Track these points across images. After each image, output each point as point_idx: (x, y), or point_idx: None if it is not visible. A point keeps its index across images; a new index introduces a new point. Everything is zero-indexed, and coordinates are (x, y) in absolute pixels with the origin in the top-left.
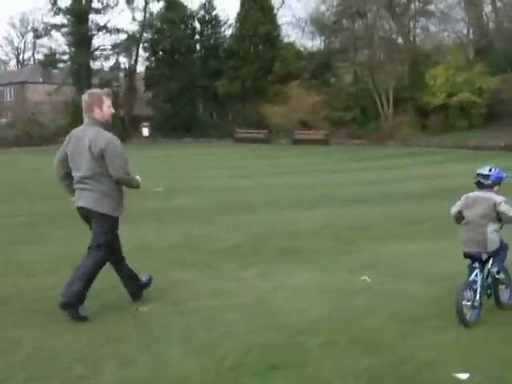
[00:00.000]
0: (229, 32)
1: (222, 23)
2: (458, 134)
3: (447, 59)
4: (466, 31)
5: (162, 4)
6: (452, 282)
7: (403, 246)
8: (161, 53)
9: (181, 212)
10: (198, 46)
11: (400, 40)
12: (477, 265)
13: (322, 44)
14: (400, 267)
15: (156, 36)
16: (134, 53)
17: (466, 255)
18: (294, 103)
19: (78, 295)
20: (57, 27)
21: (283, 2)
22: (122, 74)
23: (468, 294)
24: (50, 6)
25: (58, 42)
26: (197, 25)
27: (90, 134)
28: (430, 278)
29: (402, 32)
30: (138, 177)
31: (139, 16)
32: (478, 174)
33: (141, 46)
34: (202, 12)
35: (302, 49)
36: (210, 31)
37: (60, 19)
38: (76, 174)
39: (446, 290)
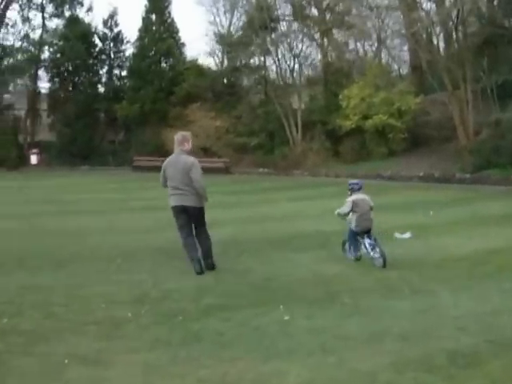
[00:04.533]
0: (131, 50)
1: (125, 41)
2: (375, 163)
3: (366, 77)
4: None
5: (61, 21)
6: None
7: None
8: (66, 73)
9: None
10: (99, 66)
11: (317, 56)
12: (368, 234)
13: (223, 62)
14: None
15: (57, 56)
16: (34, 73)
17: (363, 231)
18: (195, 127)
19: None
20: None
21: None
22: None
23: (373, 251)
24: None
25: None
26: (98, 43)
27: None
28: None
29: (316, 46)
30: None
31: (36, 34)
32: (352, 183)
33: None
34: (104, 29)
35: (205, 67)
36: (112, 50)
37: None
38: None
39: None
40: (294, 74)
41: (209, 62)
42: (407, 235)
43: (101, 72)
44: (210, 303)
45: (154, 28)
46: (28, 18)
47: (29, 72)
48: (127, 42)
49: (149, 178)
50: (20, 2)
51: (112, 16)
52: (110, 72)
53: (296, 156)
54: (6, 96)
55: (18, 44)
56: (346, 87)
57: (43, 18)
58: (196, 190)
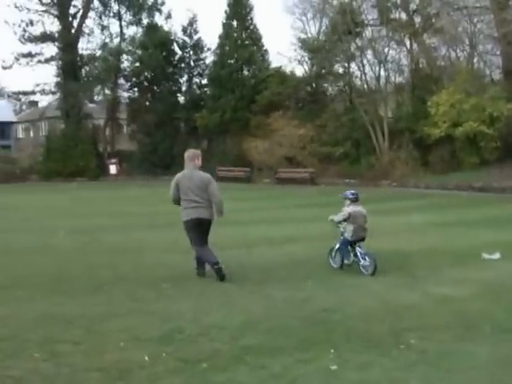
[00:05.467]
0: (211, 58)
1: (205, 49)
2: (466, 173)
3: (456, 82)
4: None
5: (139, 29)
6: None
7: None
8: (145, 82)
9: None
10: (178, 75)
11: (405, 61)
12: (360, 244)
13: (310, 69)
14: None
15: (135, 64)
16: (113, 82)
17: (357, 240)
18: (277, 136)
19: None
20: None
21: None
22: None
23: (363, 259)
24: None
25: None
26: (178, 51)
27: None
28: None
29: (403, 51)
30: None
31: (114, 43)
32: (354, 193)
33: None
34: (184, 37)
35: (288, 74)
36: (191, 58)
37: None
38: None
39: None
40: (380, 81)
41: (295, 70)
42: (496, 256)
43: (181, 81)
44: (249, 344)
45: (235, 35)
46: (106, 26)
47: (108, 81)
48: (207, 49)
49: (231, 189)
50: (96, 10)
51: (191, 23)
52: (189, 80)
53: (383, 166)
54: (90, 105)
55: (96, 53)
56: (435, 93)
57: (121, 26)
58: (215, 204)
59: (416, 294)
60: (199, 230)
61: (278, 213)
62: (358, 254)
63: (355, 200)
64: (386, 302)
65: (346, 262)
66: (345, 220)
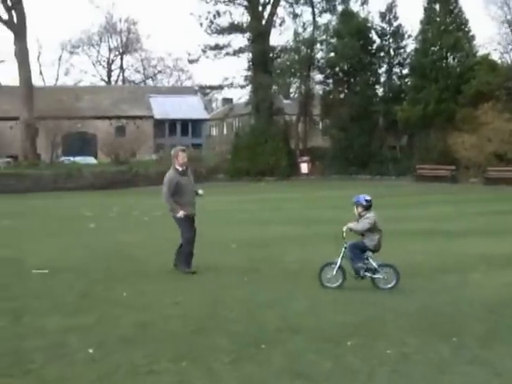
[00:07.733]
0: (413, 46)
1: (406, 36)
2: None
3: None
4: None
5: (332, 16)
6: None
7: None
8: (340, 74)
9: None
10: (377, 65)
11: None
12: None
13: None
14: None
15: (329, 55)
16: (306, 75)
17: (376, 250)
18: (486, 130)
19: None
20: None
21: None
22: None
23: (382, 270)
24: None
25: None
26: (376, 39)
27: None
28: None
29: None
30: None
31: (306, 32)
32: (368, 200)
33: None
34: (382, 23)
35: (498, 62)
36: (391, 46)
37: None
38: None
39: None
40: None
41: (505, 58)
42: None
43: (379, 71)
44: None
45: (438, 19)
46: (297, 14)
47: (300, 73)
48: (408, 36)
49: (432, 190)
50: None
51: (390, 8)
52: (389, 71)
53: None
54: (285, 101)
55: (288, 44)
56: None
57: (313, 14)
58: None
59: None
60: (193, 224)
61: (493, 221)
62: (375, 264)
63: (368, 208)
64: None
65: (359, 265)
66: (369, 229)
